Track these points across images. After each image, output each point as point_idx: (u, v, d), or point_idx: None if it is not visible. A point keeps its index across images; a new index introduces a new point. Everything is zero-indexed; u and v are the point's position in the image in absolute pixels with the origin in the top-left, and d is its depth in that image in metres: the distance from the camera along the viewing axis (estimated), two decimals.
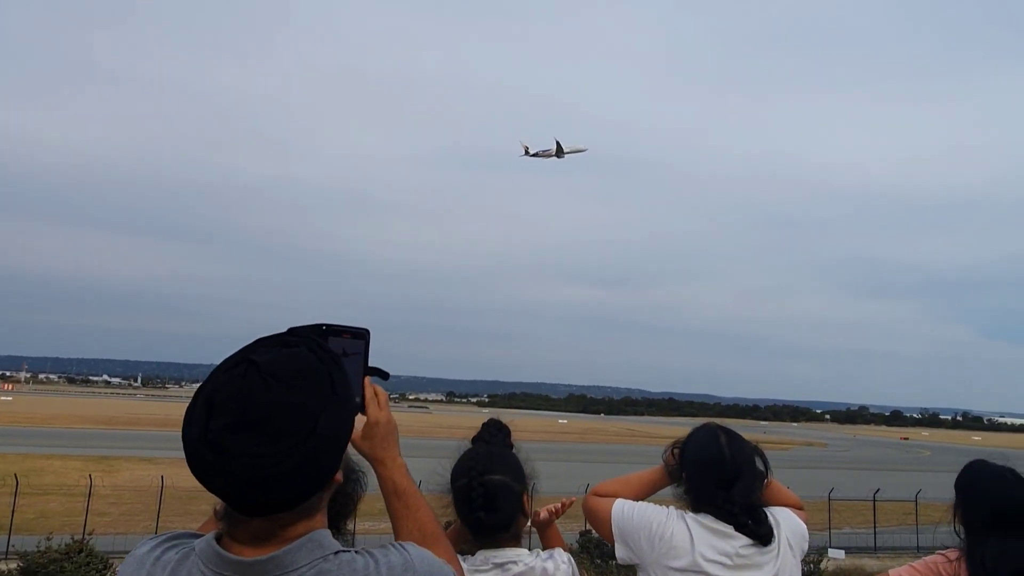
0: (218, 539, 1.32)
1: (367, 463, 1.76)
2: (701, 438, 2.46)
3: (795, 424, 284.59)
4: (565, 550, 2.41)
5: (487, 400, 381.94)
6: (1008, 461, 2.60)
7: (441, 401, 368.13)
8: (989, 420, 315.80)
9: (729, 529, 2.32)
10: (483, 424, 2.50)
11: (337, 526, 1.42)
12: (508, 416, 2.65)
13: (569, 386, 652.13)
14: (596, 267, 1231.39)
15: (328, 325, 1.66)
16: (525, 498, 2.30)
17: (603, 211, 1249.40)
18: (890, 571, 2.57)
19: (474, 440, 2.44)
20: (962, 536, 2.57)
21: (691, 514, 2.41)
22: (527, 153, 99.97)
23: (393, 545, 1.42)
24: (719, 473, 2.36)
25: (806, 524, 2.52)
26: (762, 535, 2.31)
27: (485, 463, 2.23)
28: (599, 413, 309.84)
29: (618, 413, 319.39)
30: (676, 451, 2.50)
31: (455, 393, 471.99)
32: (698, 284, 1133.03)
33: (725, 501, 2.32)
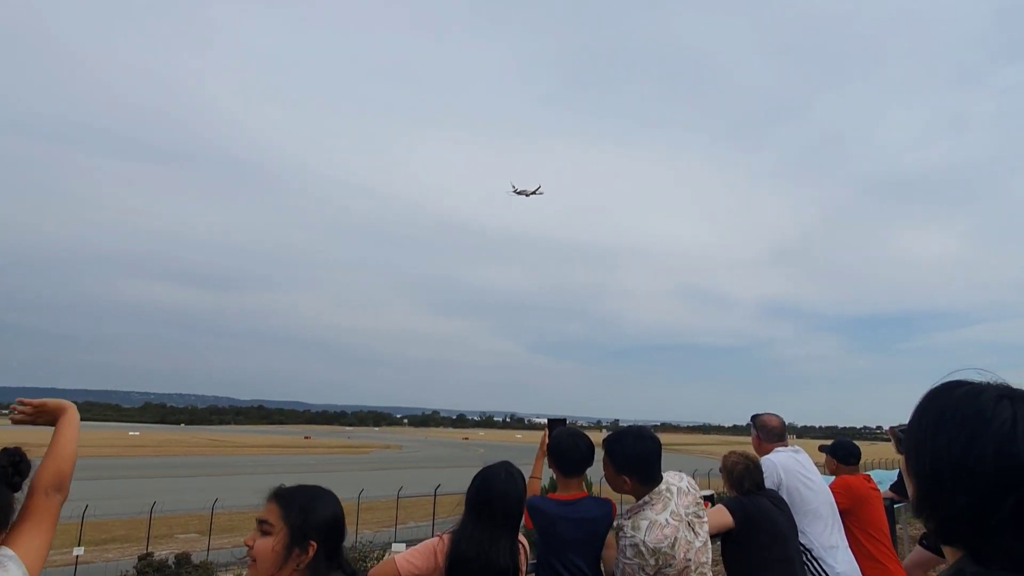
0: None
1: None
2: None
3: (377, 428, 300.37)
4: None
5: None
6: (510, 456, 3.35)
7: None
8: (529, 420, 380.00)
9: None
10: None
11: None
12: None
13: (146, 394, 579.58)
14: (189, 267, 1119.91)
15: None
16: None
17: (206, 210, 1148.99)
18: (395, 557, 2.76)
19: None
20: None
21: None
22: (515, 190, 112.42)
23: None
24: None
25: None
26: None
27: None
28: (180, 423, 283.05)
29: (203, 423, 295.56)
30: None
31: None
32: (298, 292, 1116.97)
33: None
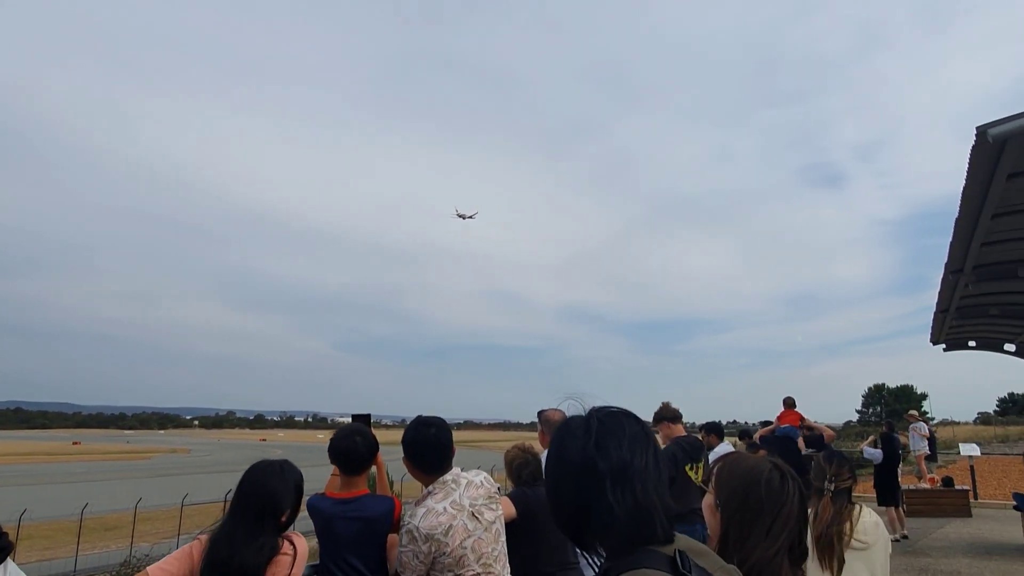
0: None
1: None
2: None
3: (162, 431, 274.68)
4: None
5: None
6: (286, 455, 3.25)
7: None
8: (332, 420, 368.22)
9: None
10: None
11: None
12: None
13: None
14: None
15: None
16: None
17: None
18: (149, 567, 2.58)
19: None
20: None
21: None
22: (457, 214, 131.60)
23: None
24: None
25: None
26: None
27: None
28: None
29: None
30: None
31: None
32: (69, 281, 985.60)
33: None
